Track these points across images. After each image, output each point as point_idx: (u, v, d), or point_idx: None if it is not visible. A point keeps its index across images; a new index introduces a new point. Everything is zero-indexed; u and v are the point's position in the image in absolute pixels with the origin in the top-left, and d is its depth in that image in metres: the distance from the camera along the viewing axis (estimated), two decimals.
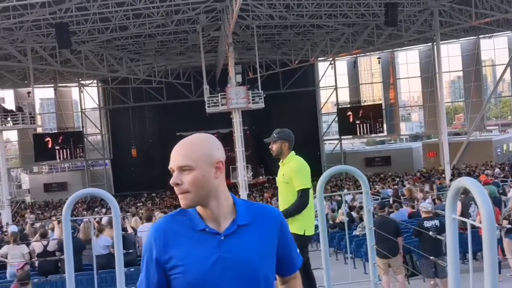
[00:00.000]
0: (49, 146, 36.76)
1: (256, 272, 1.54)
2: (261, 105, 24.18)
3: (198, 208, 1.56)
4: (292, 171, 4.18)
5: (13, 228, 12.78)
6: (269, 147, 4.31)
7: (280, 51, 34.31)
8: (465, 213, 8.53)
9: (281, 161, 4.30)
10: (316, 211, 4.40)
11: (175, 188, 1.54)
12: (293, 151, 4.32)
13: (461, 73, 37.06)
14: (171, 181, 1.55)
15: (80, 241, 8.18)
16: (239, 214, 1.56)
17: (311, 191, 4.21)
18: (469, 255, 2.37)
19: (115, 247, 3.52)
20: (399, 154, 39.14)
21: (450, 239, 2.07)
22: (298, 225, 4.08)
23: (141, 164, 38.79)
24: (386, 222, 7.37)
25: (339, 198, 18.90)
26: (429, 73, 35.09)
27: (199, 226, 1.53)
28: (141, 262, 1.62)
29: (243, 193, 22.96)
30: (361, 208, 12.70)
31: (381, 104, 38.78)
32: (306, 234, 4.13)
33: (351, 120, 38.08)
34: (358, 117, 37.83)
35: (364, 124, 37.79)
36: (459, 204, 8.39)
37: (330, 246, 7.83)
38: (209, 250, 1.50)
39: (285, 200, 4.27)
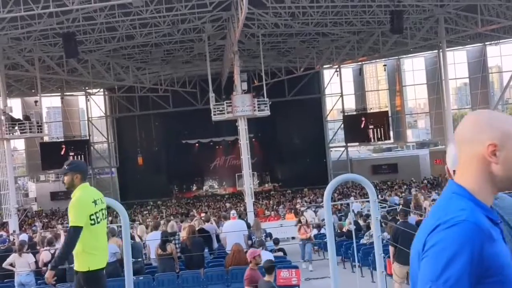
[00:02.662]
0: (57, 154, 36.95)
1: None
2: (267, 112, 24.22)
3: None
4: (70, 206, 4.07)
5: (23, 237, 12.83)
6: (61, 180, 4.24)
7: (286, 58, 34.39)
8: None
9: (72, 193, 4.18)
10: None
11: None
12: (87, 183, 4.20)
13: (467, 80, 36.96)
14: None
15: None
16: None
17: (97, 226, 4.05)
18: None
19: (124, 255, 3.53)
20: (406, 161, 38.98)
21: None
22: (80, 262, 4.02)
23: (147, 172, 38.89)
24: (408, 229, 7.31)
25: (346, 207, 18.84)
26: (435, 80, 35.02)
27: (497, 218, 1.26)
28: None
29: (249, 201, 22.91)
30: (367, 216, 12.65)
31: (387, 111, 38.70)
32: (91, 269, 3.98)
33: (357, 127, 38.05)
34: (364, 124, 37.79)
35: (371, 131, 37.73)
36: None
37: (337, 255, 7.79)
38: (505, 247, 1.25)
39: None
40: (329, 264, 3.90)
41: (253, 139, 32.81)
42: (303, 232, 12.48)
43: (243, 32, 22.87)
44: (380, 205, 13.57)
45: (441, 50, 28.84)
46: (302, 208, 21.16)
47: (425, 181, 30.35)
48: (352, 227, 8.14)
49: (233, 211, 13.04)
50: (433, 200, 15.59)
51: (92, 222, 3.98)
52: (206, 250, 10.18)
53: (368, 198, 3.98)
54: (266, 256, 8.59)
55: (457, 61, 35.87)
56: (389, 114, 38.49)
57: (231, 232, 9.87)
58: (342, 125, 39.90)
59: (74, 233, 3.90)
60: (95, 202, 4.08)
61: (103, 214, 4.11)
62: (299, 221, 13.17)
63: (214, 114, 24.32)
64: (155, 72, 34.15)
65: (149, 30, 24.64)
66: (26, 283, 8.45)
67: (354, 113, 39.56)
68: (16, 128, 25.32)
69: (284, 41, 30.44)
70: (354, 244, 5.51)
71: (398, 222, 7.93)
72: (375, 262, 4.29)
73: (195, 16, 23.14)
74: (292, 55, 34.04)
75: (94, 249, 3.99)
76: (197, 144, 39.21)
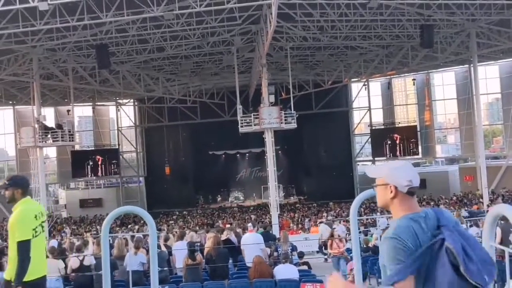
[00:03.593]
0: (88, 163, 37.84)
1: None
2: (294, 125, 24.20)
3: None
4: (12, 221, 4.13)
5: (52, 243, 13.13)
6: (2, 193, 4.27)
7: (313, 71, 34.40)
8: (505, 240, 8.25)
9: (14, 207, 4.26)
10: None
11: None
12: (28, 197, 4.28)
13: (499, 95, 36.13)
14: None
15: (111, 260, 8.31)
16: None
17: (36, 240, 4.11)
18: (507, 284, 2.32)
19: (150, 264, 3.60)
20: (434, 177, 38.15)
21: None
22: (9, 271, 4.10)
23: (174, 182, 39.29)
24: None
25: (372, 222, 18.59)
26: (466, 95, 34.36)
27: None
28: None
29: (274, 213, 22.85)
30: None
31: (416, 125, 38.16)
32: (24, 279, 4.03)
33: (384, 141, 37.62)
34: (392, 138, 37.34)
35: (398, 146, 37.23)
36: (498, 231, 8.13)
37: (362, 270, 7.70)
38: None
39: (10, 251, 4.22)
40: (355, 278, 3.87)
41: (279, 152, 32.79)
42: (335, 247, 11.78)
43: (271, 45, 23.02)
44: None
45: (472, 65, 28.34)
46: (320, 221, 20.73)
47: (454, 198, 29.66)
48: (379, 243, 8.02)
49: (249, 224, 12.96)
50: (464, 217, 15.24)
51: (33, 236, 4.12)
52: (230, 261, 10.22)
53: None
54: (290, 269, 8.56)
55: (489, 76, 35.12)
56: (418, 129, 37.95)
57: (248, 245, 9.90)
58: (370, 139, 39.51)
59: (24, 247, 4.04)
60: (36, 216, 4.21)
61: (42, 227, 4.23)
62: (332, 235, 12.44)
63: (241, 126, 24.44)
64: (184, 84, 34.65)
65: (179, 43, 25.08)
66: None
67: (382, 127, 39.15)
68: (49, 136, 26.01)
69: (312, 54, 30.49)
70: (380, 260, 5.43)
71: None
72: None
73: (224, 29, 23.46)
74: (320, 68, 34.03)
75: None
76: (223, 155, 39.43)
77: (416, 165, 47.55)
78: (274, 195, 23.12)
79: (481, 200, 25.58)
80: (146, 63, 29.54)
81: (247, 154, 39.30)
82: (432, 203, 27.07)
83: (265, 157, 23.72)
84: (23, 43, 22.28)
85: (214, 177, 38.47)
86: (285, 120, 23.81)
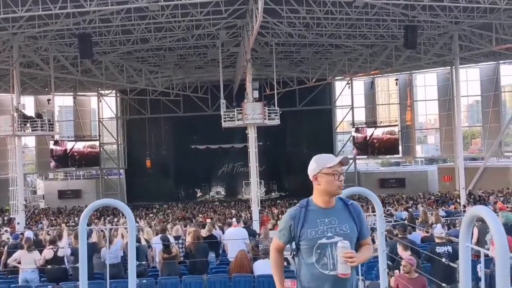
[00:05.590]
0: (67, 153, 37.35)
1: None
2: (277, 121, 24.25)
3: None
4: None
5: (28, 234, 12.92)
6: None
7: (298, 68, 34.47)
8: (481, 240, 8.39)
9: None
10: None
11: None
12: None
13: (479, 98, 36.78)
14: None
15: (91, 245, 8.16)
16: None
17: None
18: (482, 284, 2.35)
19: (128, 258, 3.56)
20: (414, 176, 38.77)
21: (463, 267, 2.07)
22: None
23: (155, 175, 39.03)
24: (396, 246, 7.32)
25: None
26: (447, 96, 34.87)
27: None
28: None
29: (255, 209, 22.89)
30: (373, 229, 12.55)
31: (397, 125, 38.63)
32: None
33: (366, 140, 37.98)
34: (374, 137, 37.73)
35: (380, 145, 37.64)
36: (475, 231, 8.27)
37: None
38: None
39: None
40: None
41: (262, 147, 32.78)
42: None
43: (257, 40, 22.97)
44: (386, 219, 13.48)
45: (454, 67, 28.75)
46: None
47: (432, 197, 30.12)
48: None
49: (234, 219, 13.01)
50: (442, 216, 15.44)
51: None
52: (213, 255, 10.21)
53: (374, 212, 3.98)
54: (269, 265, 8.56)
55: (470, 79, 35.72)
56: (399, 129, 38.40)
57: (232, 239, 9.90)
58: (352, 137, 39.84)
59: None
60: None
61: None
62: None
63: (224, 121, 24.38)
64: (167, 76, 34.38)
65: (163, 34, 24.85)
66: (30, 279, 8.50)
67: (364, 126, 39.49)
68: (28, 125, 25.55)
69: (297, 51, 30.53)
70: None
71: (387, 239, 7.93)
72: (379, 276, 4.28)
73: (210, 22, 23.32)
74: (304, 66, 34.11)
75: None
76: (205, 150, 39.31)
77: (396, 164, 48.28)
78: (255, 190, 23.15)
79: (458, 200, 26.01)
80: (130, 54, 29.21)
81: (229, 149, 39.23)
82: (411, 202, 27.39)
83: (248, 152, 23.71)
84: (3, 29, 21.82)
85: (196, 171, 38.35)
86: (269, 116, 23.83)
